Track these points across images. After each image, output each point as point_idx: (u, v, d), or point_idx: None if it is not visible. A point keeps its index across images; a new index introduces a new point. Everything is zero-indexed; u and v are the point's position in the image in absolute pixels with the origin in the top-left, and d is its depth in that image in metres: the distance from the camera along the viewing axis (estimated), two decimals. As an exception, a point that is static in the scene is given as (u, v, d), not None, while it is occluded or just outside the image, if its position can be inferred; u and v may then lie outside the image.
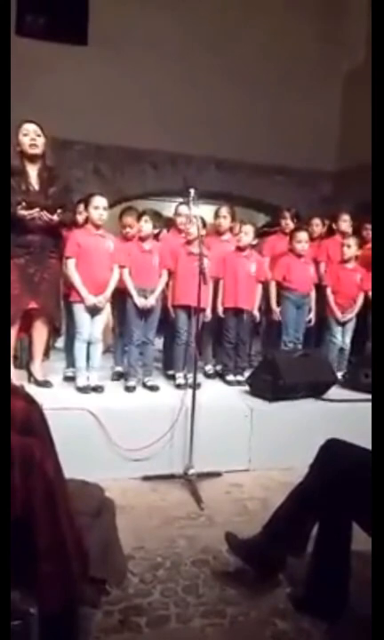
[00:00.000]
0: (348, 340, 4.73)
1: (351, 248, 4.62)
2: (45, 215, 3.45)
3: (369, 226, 4.70)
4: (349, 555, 2.02)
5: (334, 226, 5.13)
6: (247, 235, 4.28)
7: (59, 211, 3.51)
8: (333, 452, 2.13)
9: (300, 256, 4.57)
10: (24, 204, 3.39)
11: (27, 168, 3.53)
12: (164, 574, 2.31)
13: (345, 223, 5.05)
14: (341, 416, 3.60)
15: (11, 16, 6.90)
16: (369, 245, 4.57)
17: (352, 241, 4.66)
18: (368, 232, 4.78)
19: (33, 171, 3.55)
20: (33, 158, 3.54)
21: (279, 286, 4.63)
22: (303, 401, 3.84)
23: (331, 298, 4.68)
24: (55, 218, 3.50)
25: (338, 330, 4.70)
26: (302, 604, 2.09)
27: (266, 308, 4.75)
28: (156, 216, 3.96)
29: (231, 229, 4.57)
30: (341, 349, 4.72)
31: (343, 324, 4.70)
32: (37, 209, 3.43)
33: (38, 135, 3.51)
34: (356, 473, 1.90)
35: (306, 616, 2.06)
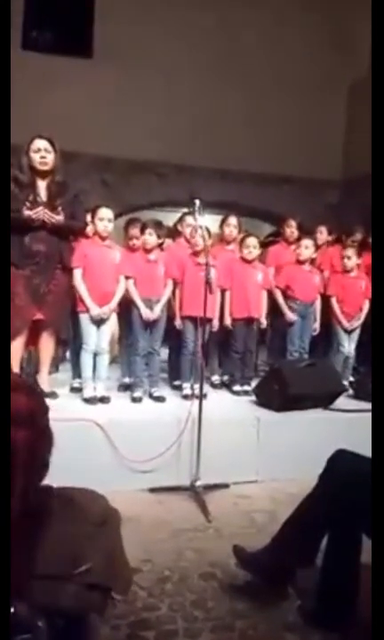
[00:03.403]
0: (352, 348, 4.71)
1: (351, 259, 4.64)
2: (47, 213, 3.45)
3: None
4: (359, 567, 2.00)
5: (345, 239, 5.17)
6: (256, 248, 4.32)
7: (59, 208, 3.51)
8: (342, 463, 2.11)
9: (303, 263, 4.56)
10: (28, 204, 3.41)
11: (36, 181, 3.55)
12: (172, 588, 2.29)
13: (356, 237, 5.10)
14: (350, 426, 3.58)
15: (18, 31, 7.01)
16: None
17: (351, 252, 4.68)
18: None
19: (42, 183, 3.57)
20: (43, 174, 3.55)
21: (284, 295, 4.62)
22: (310, 411, 3.82)
23: (336, 307, 4.67)
24: (58, 217, 3.49)
25: (345, 338, 4.68)
26: (312, 616, 2.07)
27: (272, 318, 4.74)
28: (158, 226, 3.97)
29: (235, 239, 4.57)
30: (346, 358, 4.70)
31: (350, 333, 4.69)
32: (41, 207, 3.44)
33: (48, 152, 3.52)
34: (365, 484, 1.88)
35: (316, 629, 2.03)
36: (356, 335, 4.71)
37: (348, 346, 4.69)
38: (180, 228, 4.54)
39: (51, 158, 3.53)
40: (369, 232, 4.99)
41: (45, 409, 1.34)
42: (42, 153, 3.51)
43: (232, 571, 2.39)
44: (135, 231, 4.28)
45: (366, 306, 4.63)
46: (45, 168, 3.54)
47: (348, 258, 4.64)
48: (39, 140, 3.51)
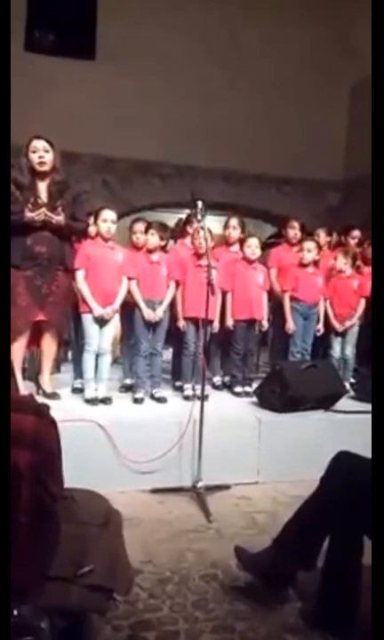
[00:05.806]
0: (349, 350, 4.69)
1: (338, 260, 4.68)
2: (47, 214, 3.46)
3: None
4: (361, 569, 1.99)
5: (343, 239, 5.18)
6: (258, 248, 4.33)
7: (59, 208, 3.52)
8: (344, 465, 2.11)
9: (306, 266, 4.57)
10: (30, 206, 3.42)
11: (36, 183, 3.55)
12: (173, 589, 2.29)
13: (354, 240, 5.11)
14: (351, 428, 3.57)
15: (21, 32, 7.02)
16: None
17: (341, 254, 4.71)
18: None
19: (42, 185, 3.58)
20: (42, 174, 3.56)
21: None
22: (312, 412, 3.81)
23: (329, 309, 4.67)
24: (58, 218, 3.50)
25: (337, 341, 4.67)
26: (313, 619, 2.07)
27: (274, 319, 4.74)
28: (162, 228, 3.98)
29: (237, 241, 4.57)
30: (345, 360, 4.68)
31: (343, 335, 4.67)
32: (43, 209, 3.45)
33: (47, 151, 3.52)
34: (367, 486, 1.88)
35: (317, 631, 2.03)
36: (352, 336, 4.69)
37: (341, 348, 4.67)
38: (189, 229, 4.51)
39: (49, 158, 3.53)
40: (368, 233, 5.00)
41: (52, 434, 1.30)
42: (40, 153, 3.51)
43: (233, 572, 2.40)
44: (139, 226, 4.29)
45: (361, 305, 4.62)
46: (44, 168, 3.54)
47: (334, 259, 4.70)
48: (37, 141, 3.51)
